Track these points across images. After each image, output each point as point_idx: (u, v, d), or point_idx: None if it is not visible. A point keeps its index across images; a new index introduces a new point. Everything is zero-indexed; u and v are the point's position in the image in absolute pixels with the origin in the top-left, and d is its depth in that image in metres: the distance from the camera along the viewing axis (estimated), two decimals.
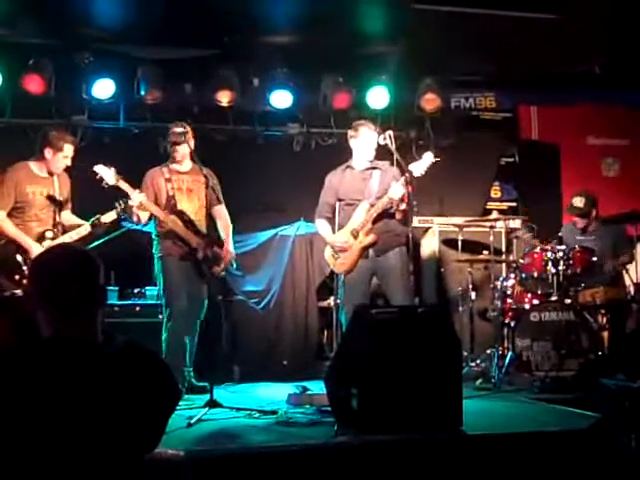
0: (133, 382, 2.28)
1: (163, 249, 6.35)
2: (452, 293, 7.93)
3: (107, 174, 6.17)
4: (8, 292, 5.97)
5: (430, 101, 8.27)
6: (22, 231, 6.16)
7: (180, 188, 6.42)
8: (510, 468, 4.42)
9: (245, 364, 7.26)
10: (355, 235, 6.33)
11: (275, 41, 7.59)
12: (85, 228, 6.31)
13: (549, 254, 7.04)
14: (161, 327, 6.32)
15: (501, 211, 8.28)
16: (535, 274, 7.17)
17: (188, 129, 6.33)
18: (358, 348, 4.79)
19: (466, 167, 8.46)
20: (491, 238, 7.54)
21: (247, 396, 6.37)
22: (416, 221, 7.41)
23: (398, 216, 6.26)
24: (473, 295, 7.69)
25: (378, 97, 8.07)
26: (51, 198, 6.31)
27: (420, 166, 6.17)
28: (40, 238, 6.19)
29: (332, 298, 7.53)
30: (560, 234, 7.77)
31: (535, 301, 7.14)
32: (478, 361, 7.31)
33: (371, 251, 6.36)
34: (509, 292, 7.38)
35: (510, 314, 7.22)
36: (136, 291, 7.31)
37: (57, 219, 6.33)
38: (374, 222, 6.32)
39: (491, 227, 7.57)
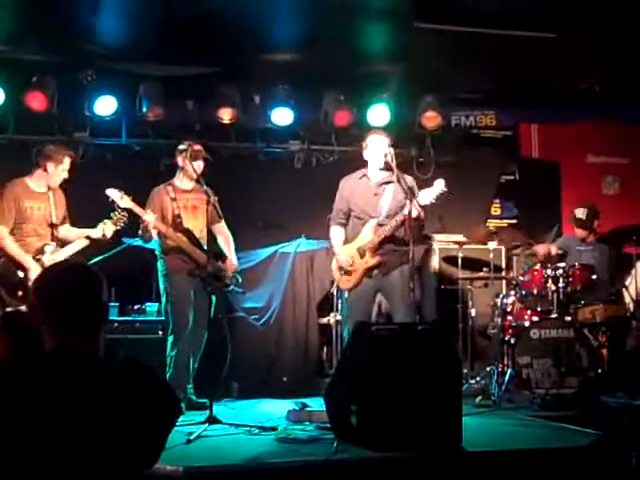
0: (134, 397, 2.30)
1: (169, 267, 6.42)
2: (452, 310, 7.93)
3: (118, 197, 6.25)
4: (11, 308, 6.00)
5: (431, 119, 8.30)
6: (22, 246, 6.21)
7: (185, 206, 6.52)
8: None
9: (245, 380, 7.25)
10: (362, 254, 6.31)
11: (277, 59, 7.62)
12: (83, 241, 6.35)
13: (549, 271, 7.06)
14: (161, 344, 6.34)
15: (501, 228, 8.29)
16: (535, 291, 7.18)
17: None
18: (358, 365, 4.79)
19: (466, 185, 8.46)
20: (491, 255, 7.56)
21: (247, 412, 6.36)
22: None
23: (405, 235, 6.17)
24: (473, 312, 7.71)
25: (379, 115, 8.10)
26: (48, 213, 6.34)
27: (430, 194, 6.13)
28: (39, 252, 6.22)
29: (332, 315, 7.55)
30: (560, 245, 7.78)
31: (535, 318, 7.14)
32: (478, 378, 7.31)
33: (376, 271, 6.35)
34: (509, 309, 7.39)
35: (510, 331, 7.22)
36: (136, 307, 7.31)
37: (55, 233, 6.37)
38: (381, 242, 6.30)
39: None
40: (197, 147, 6.51)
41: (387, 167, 6.30)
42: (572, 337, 6.78)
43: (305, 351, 7.66)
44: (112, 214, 6.36)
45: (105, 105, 7.55)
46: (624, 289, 7.44)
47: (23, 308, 5.94)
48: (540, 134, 9.21)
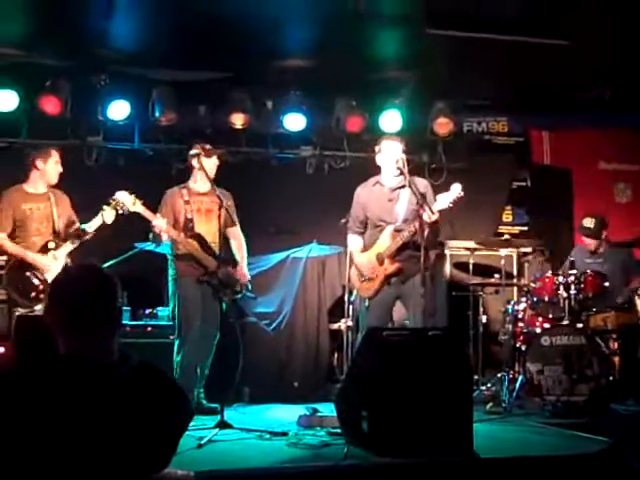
0: (147, 401, 2.31)
1: (179, 271, 6.42)
2: (463, 316, 7.91)
3: (128, 200, 6.27)
4: (25, 310, 6.04)
5: (443, 125, 8.30)
6: (25, 246, 6.24)
7: (199, 210, 6.50)
8: None
9: (256, 385, 7.25)
10: (381, 261, 6.30)
11: (289, 65, 7.64)
12: (84, 233, 6.34)
13: (560, 278, 7.04)
14: (172, 348, 6.34)
15: (513, 235, 8.29)
16: (546, 298, 7.16)
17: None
18: (369, 370, 4.79)
19: (478, 191, 8.42)
20: (502, 262, 7.55)
21: (257, 417, 6.37)
22: None
23: (422, 240, 6.07)
24: (484, 319, 7.70)
25: (391, 121, 8.11)
26: (49, 212, 6.37)
27: (447, 198, 6.09)
28: (43, 249, 6.26)
29: (343, 321, 7.54)
30: (572, 257, 7.76)
31: (546, 325, 7.12)
32: (489, 385, 7.31)
33: (395, 278, 6.32)
34: (520, 316, 7.37)
35: (521, 338, 7.20)
36: (148, 312, 7.33)
37: (57, 228, 6.37)
38: (399, 249, 6.28)
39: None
40: (208, 146, 6.51)
41: (400, 173, 6.29)
42: (583, 344, 6.75)
43: (316, 356, 7.67)
44: (110, 199, 6.32)
45: (118, 110, 7.59)
46: (636, 296, 7.41)
47: (37, 308, 5.99)
48: (552, 141, 9.19)
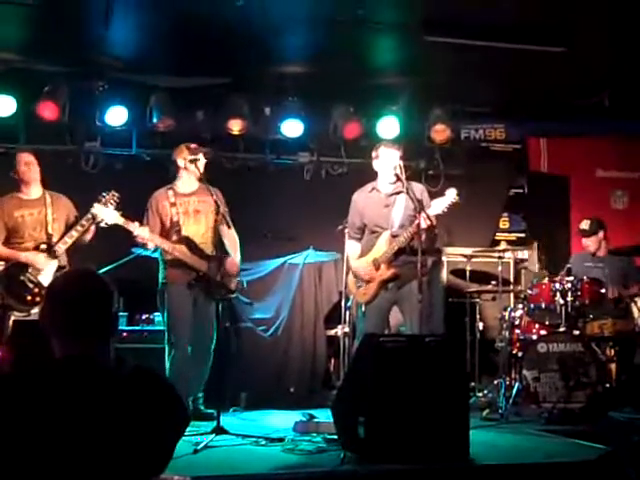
0: (144, 405, 2.31)
1: (168, 277, 6.32)
2: (460, 323, 7.91)
3: (105, 214, 6.18)
4: (21, 314, 6.03)
5: (440, 132, 8.32)
6: (19, 251, 6.22)
7: (186, 211, 6.38)
8: None
9: (252, 391, 7.25)
10: (377, 266, 6.31)
11: (287, 71, 7.66)
12: (76, 230, 6.27)
13: (557, 285, 7.04)
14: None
15: (509, 242, 8.31)
16: (543, 305, 7.16)
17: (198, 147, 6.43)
18: (366, 376, 4.79)
19: (475, 198, 8.45)
20: (499, 269, 7.56)
21: (254, 423, 6.36)
22: None
23: (420, 246, 6.06)
24: (481, 325, 7.71)
25: (388, 127, 8.13)
26: (43, 216, 6.35)
27: (441, 203, 6.11)
28: (35, 251, 6.24)
29: (340, 327, 7.54)
30: (569, 265, 7.78)
31: (543, 332, 7.12)
32: (485, 391, 7.30)
33: (392, 284, 6.32)
34: (517, 323, 7.37)
35: (518, 345, 7.21)
36: (144, 317, 7.32)
37: (50, 231, 6.34)
38: (396, 254, 6.29)
39: (499, 258, 7.62)
40: (192, 145, 6.42)
41: (397, 179, 6.30)
42: (580, 351, 6.75)
43: (312, 362, 7.66)
44: (100, 196, 6.24)
45: (116, 115, 7.60)
46: (633, 304, 7.42)
47: (33, 312, 5.98)
48: (549, 148, 9.21)
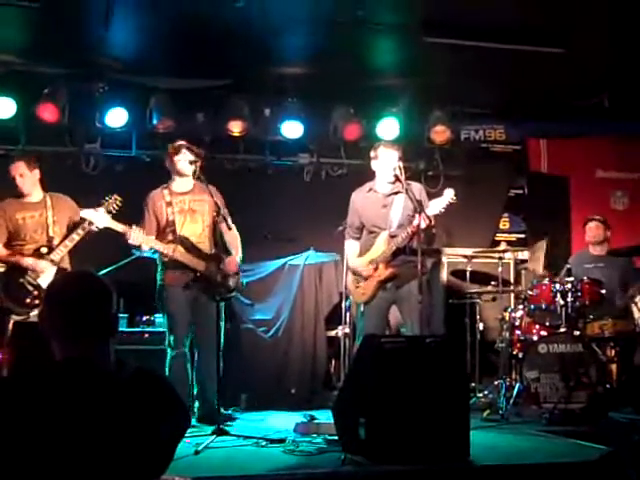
0: (144, 407, 2.30)
1: (165, 278, 6.26)
2: (460, 324, 7.92)
3: (96, 217, 6.12)
4: (21, 317, 6.02)
5: (440, 133, 8.33)
6: (19, 253, 6.21)
7: (182, 210, 6.29)
8: None
9: (253, 392, 7.25)
10: (375, 266, 6.32)
11: (287, 72, 7.67)
12: (78, 233, 6.23)
13: (557, 286, 7.05)
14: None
15: (510, 242, 8.30)
16: (543, 306, 7.16)
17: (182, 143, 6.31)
18: (366, 377, 4.79)
19: (475, 199, 8.48)
20: (499, 269, 7.56)
21: (254, 424, 6.35)
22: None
23: (419, 246, 6.05)
24: (481, 326, 7.70)
25: (388, 128, 8.14)
26: (44, 218, 6.34)
27: (439, 204, 6.11)
28: (36, 255, 6.23)
29: (340, 328, 7.55)
30: (569, 265, 7.78)
31: (543, 332, 7.12)
32: (486, 392, 7.30)
33: (390, 284, 6.33)
34: (517, 323, 7.37)
35: (518, 345, 7.20)
36: (145, 318, 7.33)
37: (50, 234, 6.33)
38: (394, 254, 6.29)
39: (500, 258, 7.62)
40: (177, 142, 6.31)
41: (396, 180, 6.30)
42: (581, 352, 6.75)
43: (313, 363, 7.66)
44: (103, 201, 6.20)
45: (116, 117, 7.61)
46: (633, 304, 7.42)
47: (32, 314, 5.98)
48: (549, 149, 9.21)
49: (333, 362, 7.84)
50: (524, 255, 8.46)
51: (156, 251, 6.29)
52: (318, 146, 8.51)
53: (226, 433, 5.43)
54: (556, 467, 4.65)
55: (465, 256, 8.07)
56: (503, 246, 7.74)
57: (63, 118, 7.51)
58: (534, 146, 9.21)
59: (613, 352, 7.20)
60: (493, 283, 7.70)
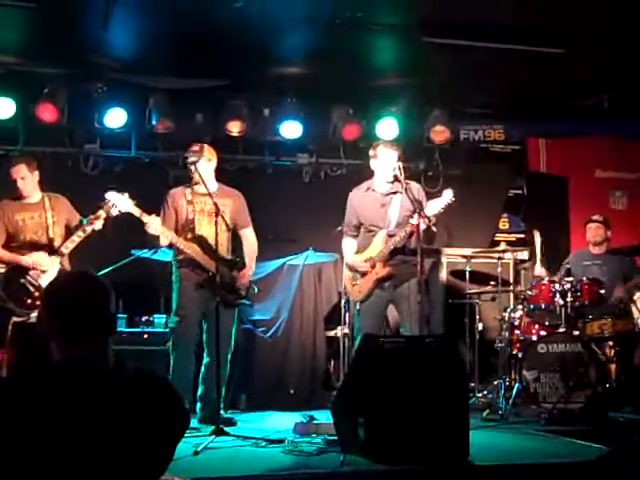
0: (144, 407, 2.30)
1: (180, 275, 6.24)
2: (459, 324, 7.92)
3: (120, 201, 6.11)
4: (21, 318, 6.02)
5: (439, 133, 8.33)
6: (19, 254, 6.21)
7: (202, 210, 6.25)
8: None
9: (252, 392, 7.26)
10: (372, 264, 6.32)
11: (286, 72, 7.67)
12: (78, 235, 6.21)
13: (557, 286, 7.05)
14: (169, 355, 6.30)
15: (509, 242, 8.30)
16: (543, 305, 7.17)
17: (204, 147, 6.29)
18: (366, 377, 4.79)
19: (474, 198, 8.48)
20: (499, 269, 7.56)
21: (254, 425, 6.35)
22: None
23: (418, 246, 6.02)
24: (480, 326, 7.71)
25: (387, 128, 8.13)
26: (44, 219, 6.33)
27: (438, 204, 6.11)
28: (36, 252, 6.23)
29: (340, 328, 7.55)
30: (568, 265, 7.78)
31: (543, 332, 7.13)
32: (485, 392, 7.31)
33: (387, 283, 6.33)
34: (517, 323, 7.38)
35: (517, 345, 7.21)
36: (144, 319, 7.33)
37: (51, 235, 6.32)
38: (391, 253, 6.29)
39: (499, 258, 7.61)
40: (195, 147, 6.26)
41: (395, 180, 6.30)
42: (580, 351, 6.76)
43: (312, 364, 7.66)
44: (102, 203, 6.17)
45: (115, 117, 7.61)
46: (632, 304, 7.42)
47: (33, 315, 5.97)
48: (548, 149, 9.22)
49: (332, 362, 7.85)
50: (523, 255, 8.46)
51: (170, 248, 6.26)
52: (317, 146, 8.51)
53: (225, 433, 5.43)
54: (555, 467, 4.65)
55: (464, 256, 8.08)
56: (502, 246, 7.74)
57: (62, 118, 7.51)
58: (533, 146, 9.22)
59: (612, 352, 7.20)
60: (492, 283, 7.70)
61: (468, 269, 7.92)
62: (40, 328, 2.42)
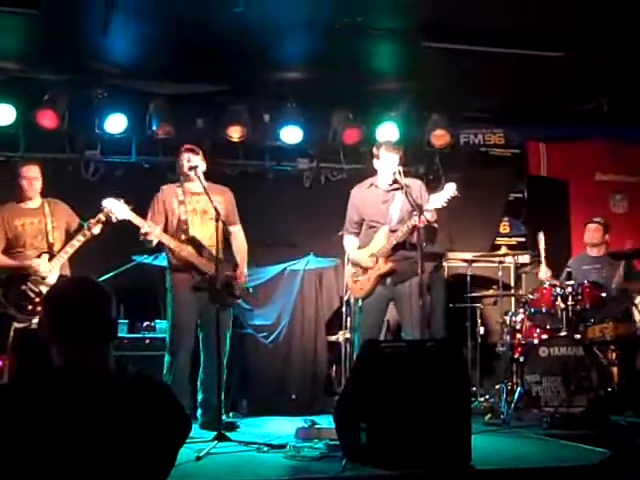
0: (145, 412, 2.30)
1: (175, 283, 6.21)
2: (461, 328, 7.92)
3: (117, 207, 6.09)
4: (22, 324, 6.01)
5: (439, 137, 8.33)
6: (20, 261, 6.21)
7: (194, 209, 6.22)
8: None
9: (253, 398, 7.25)
10: (375, 260, 6.33)
11: (286, 77, 7.67)
12: (78, 239, 6.23)
13: (558, 289, 7.05)
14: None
15: (510, 246, 8.32)
16: (544, 309, 7.17)
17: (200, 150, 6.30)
18: (367, 382, 4.79)
19: (475, 203, 8.47)
20: (500, 273, 7.56)
21: (255, 430, 6.34)
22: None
23: (419, 246, 6.04)
24: (482, 330, 7.71)
25: (388, 133, 8.13)
26: (43, 225, 6.33)
27: (441, 197, 6.10)
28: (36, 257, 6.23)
29: (341, 332, 7.55)
30: (569, 268, 7.78)
31: (544, 336, 7.13)
32: (487, 396, 7.31)
33: (389, 279, 6.34)
34: (518, 327, 7.38)
35: (519, 349, 7.21)
36: (146, 324, 7.32)
37: (51, 240, 6.32)
38: (393, 249, 6.30)
39: (500, 262, 7.61)
40: (188, 146, 6.28)
41: (395, 182, 6.31)
42: (581, 355, 6.76)
43: (314, 368, 7.65)
44: (100, 208, 6.17)
45: (115, 123, 7.61)
46: (634, 307, 7.42)
47: (34, 321, 5.97)
48: (548, 152, 9.21)
49: (334, 367, 7.84)
50: (524, 259, 8.45)
51: (157, 257, 6.26)
52: (317, 151, 8.51)
53: (227, 439, 5.42)
54: (557, 471, 4.65)
55: (465, 260, 8.07)
56: (503, 250, 7.75)
57: (63, 124, 7.51)
58: (534, 150, 9.22)
59: (614, 355, 7.20)
60: (494, 287, 7.70)
61: (469, 273, 7.92)
62: (41, 333, 2.42)
